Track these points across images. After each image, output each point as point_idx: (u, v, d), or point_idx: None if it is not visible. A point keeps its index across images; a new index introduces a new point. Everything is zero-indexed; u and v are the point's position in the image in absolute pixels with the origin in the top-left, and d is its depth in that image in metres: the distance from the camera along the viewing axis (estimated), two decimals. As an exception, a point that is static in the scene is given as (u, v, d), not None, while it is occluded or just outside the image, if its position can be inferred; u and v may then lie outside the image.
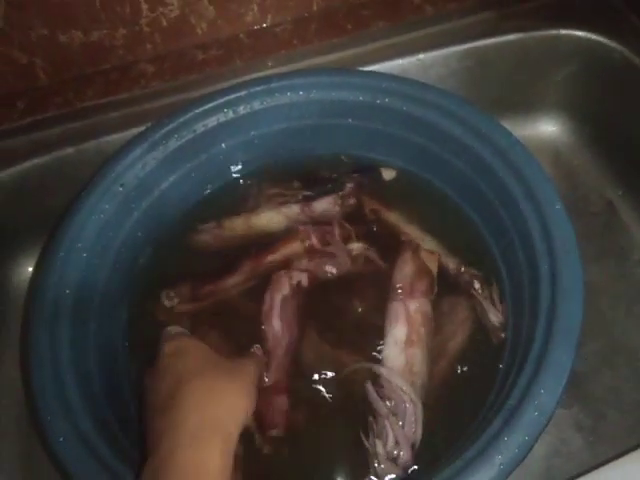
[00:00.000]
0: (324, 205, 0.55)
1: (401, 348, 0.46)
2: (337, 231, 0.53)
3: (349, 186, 0.55)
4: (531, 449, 0.36)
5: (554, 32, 0.64)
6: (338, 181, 0.56)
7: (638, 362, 0.56)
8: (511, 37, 0.64)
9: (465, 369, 0.48)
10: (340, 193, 0.55)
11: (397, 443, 0.42)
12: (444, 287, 0.51)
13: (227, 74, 0.62)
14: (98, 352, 0.47)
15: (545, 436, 0.53)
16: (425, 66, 0.63)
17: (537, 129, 0.71)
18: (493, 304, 0.49)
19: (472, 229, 0.55)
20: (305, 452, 0.45)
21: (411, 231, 0.54)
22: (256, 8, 0.64)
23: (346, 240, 0.53)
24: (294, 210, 0.55)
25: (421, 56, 0.63)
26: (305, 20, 0.66)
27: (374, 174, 0.58)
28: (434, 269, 0.50)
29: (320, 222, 0.55)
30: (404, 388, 0.43)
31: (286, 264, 0.52)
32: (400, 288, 0.49)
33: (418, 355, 0.45)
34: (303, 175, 0.58)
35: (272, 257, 0.53)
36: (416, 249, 0.51)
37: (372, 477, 0.43)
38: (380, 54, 0.63)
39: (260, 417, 0.45)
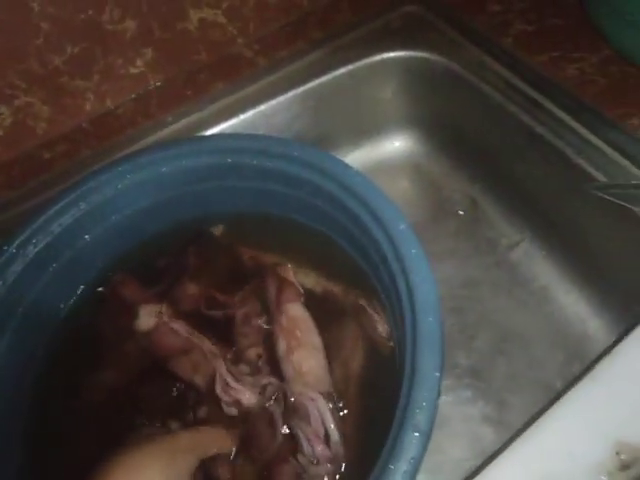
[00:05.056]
0: (182, 291, 0.54)
1: (286, 358, 0.47)
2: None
3: (191, 260, 0.56)
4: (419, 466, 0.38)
5: (378, 57, 0.68)
6: (178, 262, 0.56)
7: (526, 343, 0.60)
8: (342, 70, 0.67)
9: (369, 385, 0.49)
10: (187, 271, 0.55)
11: (309, 441, 0.42)
12: (333, 313, 0.53)
13: (77, 166, 0.62)
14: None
15: (460, 438, 0.56)
16: (268, 115, 0.66)
17: (393, 147, 0.75)
18: (379, 315, 0.52)
19: (344, 257, 0.57)
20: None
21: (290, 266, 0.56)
22: (92, 96, 0.64)
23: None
24: (156, 309, 0.52)
25: (262, 107, 0.65)
26: (145, 96, 0.67)
27: (206, 236, 0.60)
28: (291, 277, 0.53)
29: (187, 309, 0.54)
30: (298, 390, 0.45)
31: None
32: (272, 310, 0.51)
33: (303, 354, 0.47)
34: (140, 273, 0.57)
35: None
36: (272, 270, 0.54)
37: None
38: (224, 113, 0.65)
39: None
